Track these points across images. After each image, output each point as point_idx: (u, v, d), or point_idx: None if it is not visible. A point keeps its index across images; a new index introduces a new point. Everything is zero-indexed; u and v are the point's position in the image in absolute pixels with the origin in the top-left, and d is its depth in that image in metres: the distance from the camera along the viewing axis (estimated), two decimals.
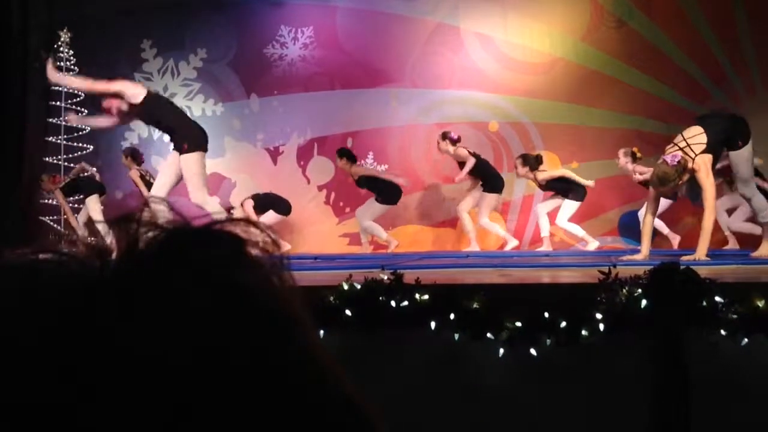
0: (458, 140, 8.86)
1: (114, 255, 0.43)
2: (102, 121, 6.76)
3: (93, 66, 8.71)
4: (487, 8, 9.79)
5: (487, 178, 8.91)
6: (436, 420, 3.66)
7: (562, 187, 8.76)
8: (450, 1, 9.91)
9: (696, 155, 5.77)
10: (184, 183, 6.40)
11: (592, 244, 8.54)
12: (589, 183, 8.62)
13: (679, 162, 5.70)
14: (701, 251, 5.71)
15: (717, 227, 6.83)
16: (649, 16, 9.53)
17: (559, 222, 8.73)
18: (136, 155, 9.22)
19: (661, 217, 7.99)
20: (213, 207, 6.40)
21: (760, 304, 3.47)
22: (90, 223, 9.13)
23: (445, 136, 8.87)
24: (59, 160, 9.85)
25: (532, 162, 8.74)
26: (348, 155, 9.20)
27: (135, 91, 6.36)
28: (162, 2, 10.13)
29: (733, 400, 3.53)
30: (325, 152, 10.05)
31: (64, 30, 9.67)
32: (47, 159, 9.84)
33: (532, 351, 3.58)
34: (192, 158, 6.33)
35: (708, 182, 5.77)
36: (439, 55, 9.93)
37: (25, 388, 0.39)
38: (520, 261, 6.77)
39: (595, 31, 9.65)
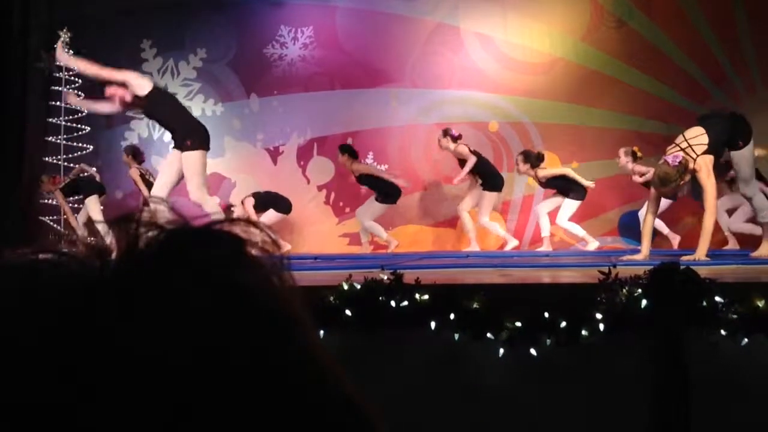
0: (459, 137, 8.86)
1: (114, 255, 0.43)
2: (102, 106, 6.71)
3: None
4: (487, 8, 9.79)
5: (487, 176, 8.90)
6: (436, 420, 3.66)
7: (562, 186, 8.75)
8: (450, 1, 9.90)
9: (697, 156, 5.77)
10: (184, 183, 6.38)
11: (592, 244, 8.53)
12: (589, 184, 8.61)
13: (680, 162, 5.71)
14: (701, 251, 5.72)
15: (717, 228, 6.84)
16: (649, 16, 9.53)
17: (560, 221, 8.73)
18: (137, 153, 9.22)
19: (661, 217, 7.98)
20: (212, 207, 6.37)
21: (760, 304, 3.47)
22: (90, 223, 9.12)
23: (446, 132, 8.87)
24: (59, 160, 9.85)
25: (534, 159, 8.74)
26: (350, 151, 9.21)
27: (141, 83, 6.33)
28: (162, 2, 10.13)
29: (733, 400, 3.53)
30: (325, 152, 10.05)
31: (64, 30, 9.66)
32: (47, 159, 9.84)
33: (532, 351, 3.58)
34: (194, 156, 6.30)
35: (709, 183, 5.78)
36: (439, 55, 9.92)
37: (25, 388, 0.39)
38: (520, 261, 6.78)
39: (595, 31, 9.64)
